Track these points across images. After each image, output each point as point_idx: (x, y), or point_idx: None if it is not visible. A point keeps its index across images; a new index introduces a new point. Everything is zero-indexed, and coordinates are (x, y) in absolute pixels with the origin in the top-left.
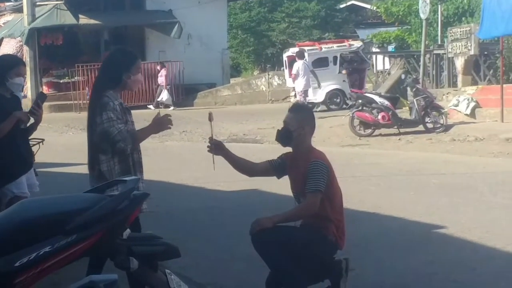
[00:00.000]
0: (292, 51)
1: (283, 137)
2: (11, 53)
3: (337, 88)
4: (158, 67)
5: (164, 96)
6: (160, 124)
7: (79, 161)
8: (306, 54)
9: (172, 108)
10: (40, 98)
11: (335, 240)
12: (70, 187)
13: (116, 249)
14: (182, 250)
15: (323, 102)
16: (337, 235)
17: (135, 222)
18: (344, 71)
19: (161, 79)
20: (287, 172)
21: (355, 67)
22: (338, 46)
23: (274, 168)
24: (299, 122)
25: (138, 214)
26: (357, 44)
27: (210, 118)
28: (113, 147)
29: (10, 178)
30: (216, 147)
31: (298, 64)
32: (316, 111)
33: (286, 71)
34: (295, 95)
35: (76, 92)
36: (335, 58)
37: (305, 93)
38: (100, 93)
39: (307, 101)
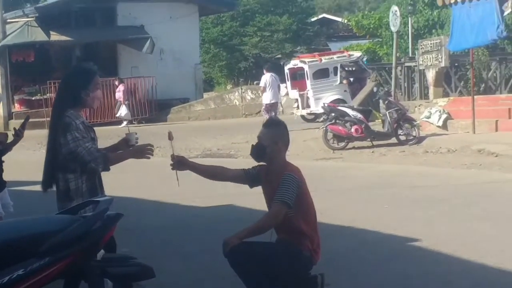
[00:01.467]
0: (293, 63)
1: (257, 152)
2: None
3: (338, 98)
4: (116, 82)
5: (122, 111)
6: (140, 152)
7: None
8: (306, 66)
9: (125, 123)
10: (26, 121)
11: (310, 255)
12: (43, 206)
13: (90, 270)
14: (158, 269)
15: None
16: (312, 249)
17: (110, 241)
18: (344, 81)
19: (119, 95)
20: (261, 185)
21: (356, 76)
22: (338, 57)
23: (248, 177)
24: (272, 138)
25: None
26: (356, 54)
27: (170, 137)
28: (83, 167)
29: None
30: (179, 163)
31: (266, 77)
32: (318, 122)
33: (288, 83)
34: (297, 107)
35: (48, 109)
36: (335, 68)
37: (272, 106)
38: (61, 113)
39: (274, 114)
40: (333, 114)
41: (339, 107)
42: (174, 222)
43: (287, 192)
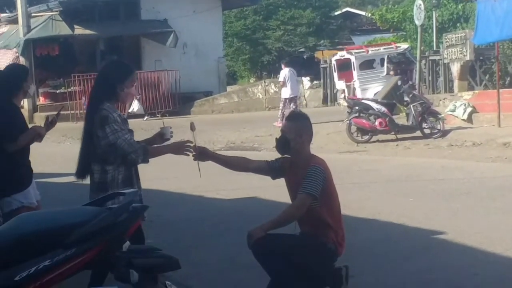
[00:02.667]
0: (340, 54)
1: (281, 145)
2: (7, 64)
3: None
4: None
5: (135, 106)
6: (179, 148)
7: (70, 171)
8: (353, 57)
9: (146, 117)
10: (60, 111)
11: (334, 247)
12: (69, 197)
13: (116, 262)
14: (183, 260)
15: None
16: (337, 242)
17: (138, 233)
18: (391, 72)
19: None
20: (285, 177)
21: (403, 68)
22: (385, 49)
23: (271, 169)
24: (296, 131)
25: (140, 224)
26: (404, 46)
27: (192, 128)
28: (123, 158)
29: (20, 188)
30: (201, 154)
31: (285, 72)
32: None
33: (335, 74)
34: (344, 97)
35: (72, 102)
36: (382, 60)
37: (291, 100)
38: (97, 105)
39: (295, 107)
40: (357, 108)
41: (363, 101)
42: (198, 214)
43: (312, 184)
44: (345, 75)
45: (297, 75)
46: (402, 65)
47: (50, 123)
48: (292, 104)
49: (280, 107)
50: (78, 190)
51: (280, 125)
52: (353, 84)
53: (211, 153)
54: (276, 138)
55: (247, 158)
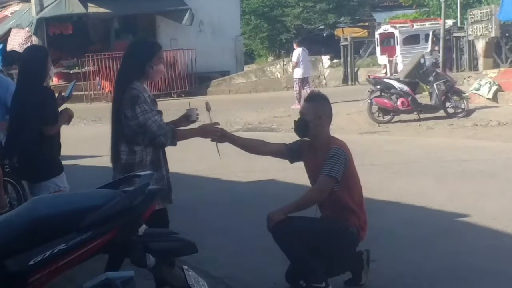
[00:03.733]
0: (384, 28)
1: (300, 128)
2: (19, 43)
3: None
4: None
5: None
6: (207, 132)
7: (92, 153)
8: (397, 32)
9: None
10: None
11: (356, 231)
12: (84, 180)
13: (132, 246)
14: (199, 244)
15: None
16: (359, 226)
17: (163, 216)
18: (436, 48)
19: None
20: (304, 161)
21: (448, 45)
22: (430, 24)
23: (289, 152)
24: (315, 112)
25: (165, 207)
26: (449, 22)
27: (208, 108)
28: (152, 140)
29: (58, 171)
30: (219, 135)
31: (298, 51)
32: None
33: (378, 49)
34: (385, 73)
35: (86, 83)
36: (426, 35)
37: (302, 81)
38: (127, 85)
39: (308, 89)
40: (378, 87)
41: (385, 79)
42: (215, 197)
43: (334, 166)
44: (387, 49)
45: (317, 53)
46: (447, 42)
47: (62, 99)
48: (306, 86)
49: (295, 89)
50: (93, 173)
51: (298, 107)
52: (395, 59)
53: (229, 135)
54: (294, 120)
55: (264, 141)
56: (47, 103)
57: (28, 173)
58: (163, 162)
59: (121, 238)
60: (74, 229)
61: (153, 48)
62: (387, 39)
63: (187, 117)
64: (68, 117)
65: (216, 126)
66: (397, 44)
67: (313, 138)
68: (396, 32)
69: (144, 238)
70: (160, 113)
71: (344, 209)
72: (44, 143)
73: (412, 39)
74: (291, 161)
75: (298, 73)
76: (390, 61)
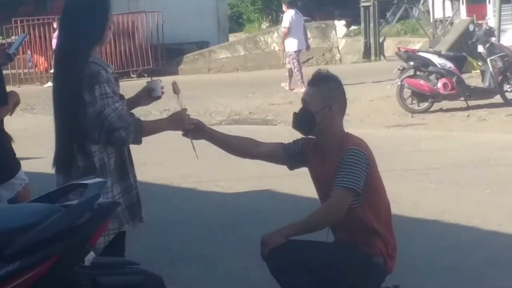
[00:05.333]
0: None
1: (303, 122)
2: None
3: None
4: (55, 25)
5: None
6: (181, 122)
7: (22, 153)
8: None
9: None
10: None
11: (383, 261)
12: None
13: (75, 280)
14: (168, 278)
15: None
16: (387, 254)
17: (117, 239)
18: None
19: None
20: (309, 167)
21: None
22: None
23: (288, 154)
24: (324, 100)
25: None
26: None
27: (176, 90)
28: (109, 135)
29: (18, 165)
30: (194, 129)
31: (290, 14)
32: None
33: (463, 7)
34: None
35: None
36: None
37: (297, 54)
38: (82, 56)
39: (298, 65)
40: (411, 63)
41: (420, 53)
42: (190, 213)
43: (352, 174)
44: (475, 9)
45: (328, 17)
46: None
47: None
48: (296, 61)
49: (294, 65)
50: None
51: (303, 90)
52: (486, 23)
53: (206, 129)
54: (294, 112)
55: (255, 140)
56: None
57: None
58: (129, 166)
59: (60, 270)
60: None
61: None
62: None
63: (148, 92)
64: (15, 101)
65: (188, 115)
66: (489, 2)
67: (321, 136)
68: None
69: (92, 270)
70: (122, 98)
71: (366, 231)
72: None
73: None
74: (291, 167)
75: (292, 44)
76: (479, 25)
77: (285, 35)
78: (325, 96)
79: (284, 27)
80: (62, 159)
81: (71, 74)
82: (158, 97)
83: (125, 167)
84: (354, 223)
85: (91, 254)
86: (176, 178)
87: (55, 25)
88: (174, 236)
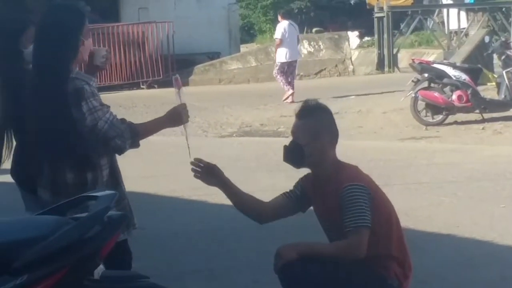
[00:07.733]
0: None
1: (292, 155)
2: None
3: None
4: None
5: None
6: (177, 117)
7: None
8: None
9: None
10: None
11: (397, 283)
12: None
13: None
14: None
15: None
16: (402, 274)
17: (122, 251)
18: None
19: None
20: (313, 205)
21: None
22: None
23: (291, 201)
24: (312, 132)
25: (126, 238)
26: None
27: (177, 85)
28: (106, 146)
29: None
30: (207, 171)
31: (284, 25)
32: None
33: None
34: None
35: None
36: None
37: (289, 66)
38: (64, 72)
39: (291, 77)
40: (426, 75)
41: (435, 65)
42: (199, 227)
43: (358, 214)
44: None
45: (341, 28)
46: None
47: None
48: (291, 74)
49: (276, 75)
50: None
51: (289, 100)
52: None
53: (224, 177)
54: (284, 145)
55: (260, 200)
56: None
57: None
58: (120, 177)
59: (69, 284)
60: (4, 272)
61: (80, 16)
62: None
63: (90, 59)
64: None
65: (186, 110)
66: None
67: (315, 168)
68: None
69: (101, 283)
70: (107, 106)
71: (379, 255)
72: None
73: None
74: (303, 210)
75: (282, 55)
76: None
77: (277, 46)
78: (313, 128)
79: (276, 38)
80: (30, 176)
81: (57, 92)
82: (99, 67)
83: (116, 177)
84: (369, 254)
85: (101, 267)
86: (186, 190)
87: None
88: (183, 249)
